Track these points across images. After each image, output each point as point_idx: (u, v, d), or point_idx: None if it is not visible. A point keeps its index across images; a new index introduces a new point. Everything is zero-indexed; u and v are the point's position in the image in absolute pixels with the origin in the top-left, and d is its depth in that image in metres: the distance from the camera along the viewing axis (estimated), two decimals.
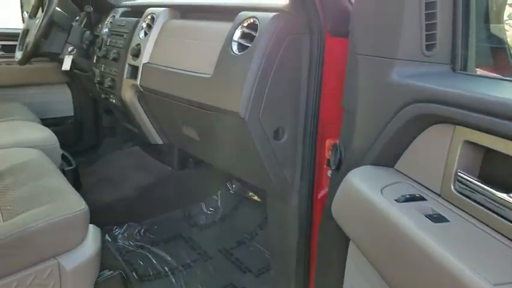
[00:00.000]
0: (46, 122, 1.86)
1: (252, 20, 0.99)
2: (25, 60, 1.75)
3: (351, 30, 0.79)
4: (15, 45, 1.88)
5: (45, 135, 1.49)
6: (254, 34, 0.97)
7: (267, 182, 1.10)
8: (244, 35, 1.01)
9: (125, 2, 1.77)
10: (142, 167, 1.64)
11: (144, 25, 1.45)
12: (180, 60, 1.25)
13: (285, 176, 1.05)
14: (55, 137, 1.50)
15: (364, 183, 0.65)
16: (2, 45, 2.06)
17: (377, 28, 0.70)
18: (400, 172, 0.68)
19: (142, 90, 1.43)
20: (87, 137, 1.99)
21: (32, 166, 1.24)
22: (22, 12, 2.22)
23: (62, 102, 2.28)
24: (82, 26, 1.89)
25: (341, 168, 0.81)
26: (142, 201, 1.57)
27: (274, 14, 0.94)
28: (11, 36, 2.04)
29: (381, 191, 0.62)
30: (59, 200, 1.03)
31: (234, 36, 1.02)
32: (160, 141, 1.60)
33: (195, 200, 1.57)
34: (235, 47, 1.02)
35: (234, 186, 1.55)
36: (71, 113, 2.30)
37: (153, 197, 1.59)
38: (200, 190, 1.52)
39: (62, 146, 1.56)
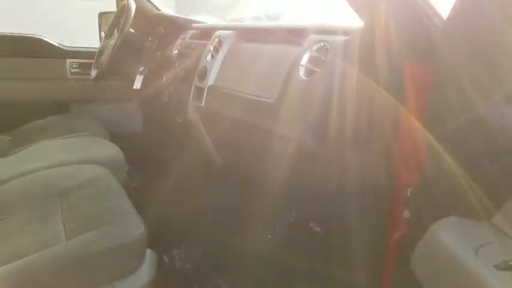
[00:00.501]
0: (115, 137, 1.93)
1: (321, 44, 0.93)
2: (99, 78, 1.84)
3: (437, 57, 0.70)
4: (91, 63, 2.00)
5: (113, 152, 1.53)
6: (324, 58, 0.90)
7: (332, 216, 1.01)
8: (312, 60, 0.95)
9: (194, 25, 1.80)
10: (204, 189, 1.63)
11: (211, 48, 1.45)
12: (245, 83, 1.22)
13: (353, 211, 0.96)
14: (122, 155, 1.53)
15: (454, 240, 0.55)
16: (80, 63, 2.19)
17: (472, 55, 0.60)
18: (498, 228, 0.57)
19: (206, 112, 1.42)
20: (153, 154, 2.03)
21: (98, 184, 1.26)
22: (100, 32, 2.35)
23: (132, 118, 2.37)
24: (154, 46, 1.95)
25: (422, 214, 0.70)
26: (201, 224, 1.55)
27: (346, 38, 0.87)
28: (88, 54, 2.16)
29: (476, 251, 0.52)
30: (120, 222, 1.03)
31: (302, 60, 0.97)
32: (222, 164, 1.58)
33: (254, 226, 1.52)
34: (302, 72, 0.96)
35: (294, 214, 1.47)
36: (140, 130, 2.38)
37: (212, 220, 1.56)
38: (259, 216, 1.47)
39: (128, 162, 1.59)
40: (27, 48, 2.07)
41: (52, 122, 1.97)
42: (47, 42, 2.10)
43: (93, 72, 1.87)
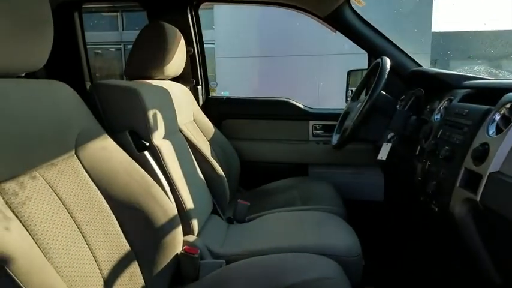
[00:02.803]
0: (350, 204, 1.71)
1: None
2: (341, 146, 1.64)
3: None
4: (333, 125, 1.85)
5: (350, 243, 1.25)
6: None
7: None
8: None
9: (467, 82, 1.37)
10: None
11: (498, 117, 1.02)
12: None
13: None
14: (359, 247, 1.24)
15: None
16: (322, 125, 2.10)
17: None
18: None
19: (483, 209, 0.98)
20: (398, 241, 1.67)
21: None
22: (346, 91, 2.21)
23: (372, 185, 2.09)
24: (406, 108, 1.62)
25: None
26: None
27: None
28: (331, 116, 2.05)
29: None
30: None
31: None
32: (498, 281, 1.08)
33: None
34: None
35: None
36: (381, 199, 2.07)
37: None
38: None
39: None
40: (276, 111, 2.13)
41: (290, 185, 1.92)
42: (294, 104, 2.12)
43: (335, 138, 1.69)
